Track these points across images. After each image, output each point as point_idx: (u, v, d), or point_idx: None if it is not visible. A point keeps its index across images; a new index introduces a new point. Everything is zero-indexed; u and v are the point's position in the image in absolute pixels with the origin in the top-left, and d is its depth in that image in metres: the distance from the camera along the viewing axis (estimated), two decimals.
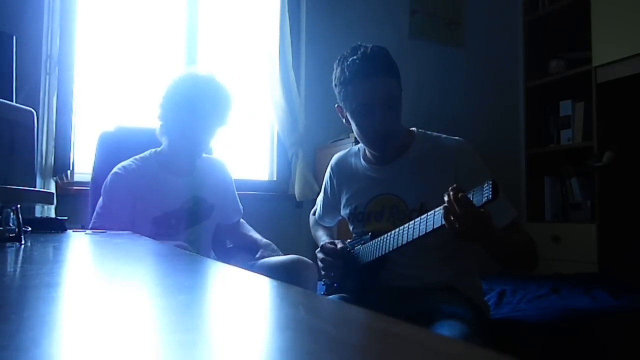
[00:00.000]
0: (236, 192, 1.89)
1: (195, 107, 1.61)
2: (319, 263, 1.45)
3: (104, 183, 1.62)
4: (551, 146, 3.13)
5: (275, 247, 1.76)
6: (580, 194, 2.94)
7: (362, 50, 1.31)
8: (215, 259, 1.73)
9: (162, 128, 1.67)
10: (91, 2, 2.40)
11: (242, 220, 1.94)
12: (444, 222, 1.09)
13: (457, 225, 1.08)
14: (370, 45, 1.32)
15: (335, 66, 1.36)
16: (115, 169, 1.63)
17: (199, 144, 1.68)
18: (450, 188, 1.09)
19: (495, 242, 1.18)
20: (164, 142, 1.69)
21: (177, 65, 2.57)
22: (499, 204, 1.22)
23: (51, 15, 2.12)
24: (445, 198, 1.08)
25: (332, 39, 2.71)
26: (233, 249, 1.90)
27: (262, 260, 1.65)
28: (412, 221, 1.20)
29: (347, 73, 1.30)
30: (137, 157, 1.69)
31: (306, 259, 1.59)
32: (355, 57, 1.30)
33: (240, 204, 1.91)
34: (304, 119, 2.61)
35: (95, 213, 1.60)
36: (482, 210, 1.07)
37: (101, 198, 1.62)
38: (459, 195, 1.06)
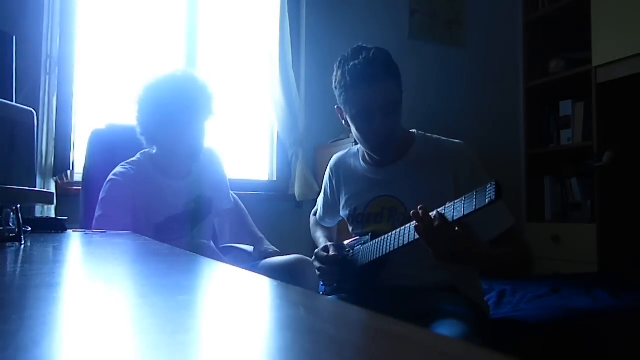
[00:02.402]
0: (227, 179, 1.84)
1: (177, 118, 1.52)
2: (316, 271, 1.45)
3: (102, 191, 1.54)
4: (551, 146, 3.13)
5: (268, 244, 1.78)
6: (580, 194, 2.94)
7: (363, 54, 1.28)
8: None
9: (148, 142, 1.59)
10: (91, 2, 2.40)
11: (245, 211, 1.91)
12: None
13: (433, 244, 1.11)
14: (372, 49, 1.30)
15: (335, 68, 1.34)
16: (111, 176, 1.55)
17: (195, 150, 1.59)
18: (419, 207, 1.11)
19: (477, 260, 1.20)
20: (156, 150, 1.61)
21: (177, 64, 2.57)
22: (496, 210, 1.22)
23: (51, 15, 2.12)
24: (415, 220, 1.11)
25: (332, 39, 2.71)
26: (226, 248, 1.88)
27: (265, 261, 1.65)
28: (414, 222, 1.20)
29: (347, 78, 1.28)
30: (130, 161, 1.60)
31: (307, 258, 1.60)
32: (356, 61, 1.27)
33: (230, 192, 1.86)
34: (304, 119, 2.61)
35: (94, 221, 1.51)
36: (456, 228, 1.08)
37: (99, 206, 1.52)
38: (429, 214, 1.10)
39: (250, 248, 1.84)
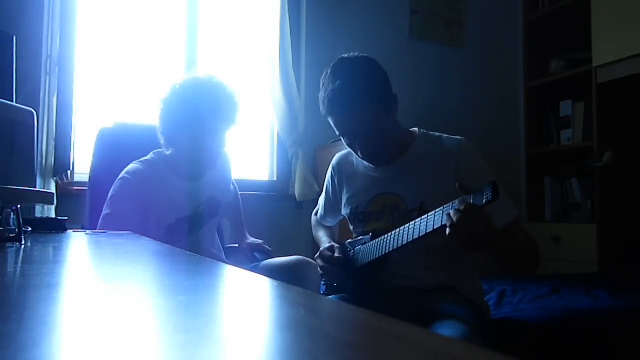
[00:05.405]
0: (231, 176, 1.86)
1: (204, 122, 1.51)
2: (319, 270, 1.45)
3: (112, 189, 1.52)
4: (551, 146, 3.13)
5: (248, 236, 1.85)
6: (580, 194, 2.94)
7: (341, 79, 1.26)
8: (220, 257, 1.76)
9: (166, 142, 1.57)
10: (91, 2, 2.40)
11: (240, 203, 1.95)
12: (444, 222, 1.09)
13: (457, 227, 1.06)
14: (350, 68, 1.29)
15: (321, 82, 1.34)
16: (123, 174, 1.53)
17: (213, 157, 1.59)
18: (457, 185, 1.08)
19: (496, 245, 1.17)
20: (171, 150, 1.59)
21: (177, 65, 2.57)
22: (500, 203, 1.21)
23: (51, 15, 2.12)
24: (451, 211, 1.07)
25: (332, 39, 2.71)
26: (231, 249, 1.89)
27: (265, 262, 1.66)
28: (413, 221, 1.20)
29: (326, 102, 1.30)
30: (143, 159, 1.59)
31: (309, 259, 1.60)
32: (334, 86, 1.27)
33: (231, 188, 1.86)
34: (304, 119, 2.61)
35: (101, 219, 1.48)
36: (481, 209, 1.07)
37: (107, 203, 1.50)
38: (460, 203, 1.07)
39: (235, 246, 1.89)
